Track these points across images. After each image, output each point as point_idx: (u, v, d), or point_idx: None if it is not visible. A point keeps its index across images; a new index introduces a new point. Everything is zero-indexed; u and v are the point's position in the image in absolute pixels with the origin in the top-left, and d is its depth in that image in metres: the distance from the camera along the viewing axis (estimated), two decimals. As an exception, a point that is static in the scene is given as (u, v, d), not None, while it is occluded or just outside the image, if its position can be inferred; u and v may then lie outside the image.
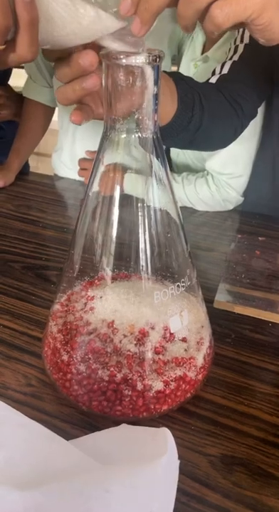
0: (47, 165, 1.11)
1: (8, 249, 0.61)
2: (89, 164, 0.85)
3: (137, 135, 0.29)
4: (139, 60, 0.27)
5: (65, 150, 0.93)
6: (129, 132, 0.30)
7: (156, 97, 0.29)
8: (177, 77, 0.45)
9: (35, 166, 1.09)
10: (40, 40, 0.27)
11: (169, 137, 0.46)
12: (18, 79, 1.07)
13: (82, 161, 0.86)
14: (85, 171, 0.85)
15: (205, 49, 0.78)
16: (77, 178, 0.88)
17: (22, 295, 0.51)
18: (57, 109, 0.95)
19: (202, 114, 0.47)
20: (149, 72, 0.27)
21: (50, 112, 0.97)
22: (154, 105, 0.29)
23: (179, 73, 0.47)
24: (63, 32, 0.26)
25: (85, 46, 0.29)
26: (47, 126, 0.97)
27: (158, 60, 0.27)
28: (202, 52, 0.78)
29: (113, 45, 0.27)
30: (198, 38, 0.77)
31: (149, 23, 0.27)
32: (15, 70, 0.92)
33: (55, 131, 0.98)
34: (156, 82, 0.28)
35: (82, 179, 0.86)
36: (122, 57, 0.27)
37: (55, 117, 0.98)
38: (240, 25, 0.30)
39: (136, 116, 0.29)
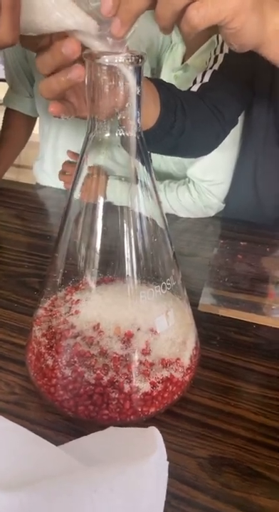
0: (27, 177, 1.10)
1: (-11, 257, 0.60)
2: (72, 169, 0.85)
3: (120, 134, 0.30)
4: (122, 60, 0.27)
5: (47, 158, 0.93)
6: (112, 131, 0.30)
7: (138, 98, 0.29)
8: (159, 83, 0.46)
9: (16, 178, 1.08)
10: (22, 27, 0.26)
11: (152, 142, 0.47)
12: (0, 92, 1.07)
13: (65, 164, 0.86)
14: (66, 175, 0.85)
15: (184, 59, 0.79)
16: (60, 186, 0.87)
17: (4, 303, 0.50)
18: (38, 120, 0.95)
19: (184, 119, 0.48)
20: (132, 73, 0.28)
21: (31, 122, 0.97)
22: (136, 105, 0.29)
23: (161, 80, 0.47)
24: (45, 18, 0.26)
25: None
26: (28, 136, 0.97)
27: (140, 60, 0.28)
28: (182, 63, 0.79)
29: (95, 44, 0.27)
30: (178, 49, 0.78)
31: (128, 24, 0.27)
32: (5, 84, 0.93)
33: (35, 144, 0.98)
34: (138, 83, 0.29)
35: (63, 186, 0.86)
36: (104, 57, 0.27)
37: (35, 130, 0.98)
38: (215, 29, 0.31)
39: (119, 117, 0.29)
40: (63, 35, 0.28)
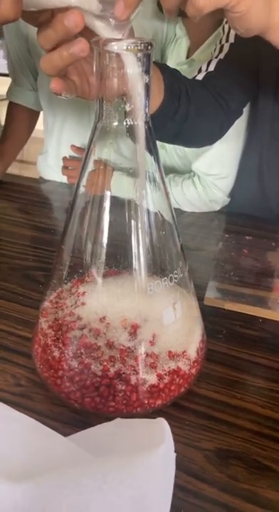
0: (30, 172, 1.10)
1: (-7, 250, 0.60)
2: (73, 163, 0.85)
3: (129, 123, 0.29)
4: (131, 47, 0.27)
5: (51, 152, 0.93)
6: (120, 120, 0.29)
7: (147, 86, 0.29)
8: (164, 68, 0.45)
9: (19, 173, 1.08)
10: (24, 1, 0.26)
11: (155, 128, 0.46)
12: (2, 86, 1.07)
13: (66, 159, 0.86)
14: (69, 170, 0.85)
15: (189, 54, 0.79)
16: (64, 180, 0.87)
17: (9, 296, 0.50)
18: (41, 114, 0.95)
19: (188, 106, 0.47)
20: (140, 60, 0.27)
21: (34, 115, 0.96)
22: (145, 94, 0.29)
23: (165, 64, 0.47)
24: None
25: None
26: (31, 130, 0.96)
27: (149, 47, 0.27)
28: (187, 57, 0.79)
29: (96, 24, 0.27)
30: (182, 42, 0.77)
31: (132, 6, 0.26)
32: (8, 79, 0.92)
33: (38, 139, 0.98)
34: (147, 71, 0.28)
35: (66, 180, 0.86)
36: (112, 44, 0.26)
37: (38, 125, 0.98)
38: (221, 13, 0.31)
39: (128, 105, 0.29)
40: (65, 9, 0.27)
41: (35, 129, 0.99)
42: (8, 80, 0.94)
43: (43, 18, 0.29)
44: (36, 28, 0.30)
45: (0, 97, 1.04)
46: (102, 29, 0.27)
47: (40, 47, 0.30)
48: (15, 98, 0.92)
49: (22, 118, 0.92)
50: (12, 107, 0.92)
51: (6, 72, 0.94)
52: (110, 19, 0.27)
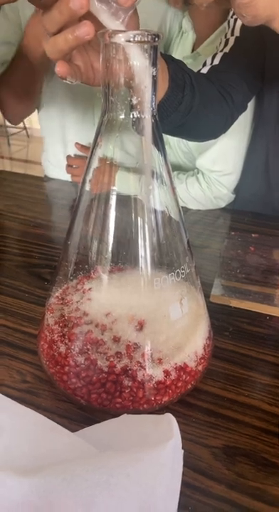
0: (35, 172, 1.10)
1: (-1, 248, 0.60)
2: (77, 161, 0.85)
3: (135, 116, 0.29)
4: (138, 38, 0.26)
5: (52, 151, 0.93)
6: (127, 114, 0.29)
7: (154, 79, 0.28)
8: (168, 58, 0.45)
9: (24, 172, 1.09)
10: None
11: (159, 119, 0.46)
12: None
13: (70, 158, 0.85)
14: (73, 168, 0.85)
15: (195, 48, 0.78)
16: (68, 178, 0.87)
17: (15, 293, 0.50)
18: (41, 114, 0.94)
19: (193, 97, 0.47)
20: (147, 52, 0.27)
21: None
22: (152, 87, 0.28)
23: (170, 55, 0.46)
24: None
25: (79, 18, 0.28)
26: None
27: (156, 39, 0.27)
28: (192, 51, 0.78)
29: (97, 6, 0.26)
30: (188, 36, 0.77)
31: None
32: None
33: (42, 139, 0.98)
34: (154, 63, 0.28)
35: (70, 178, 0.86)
36: (120, 35, 0.26)
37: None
38: (227, 2, 0.30)
39: (134, 98, 0.28)
40: None
41: (39, 128, 0.99)
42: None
43: (47, 0, 0.29)
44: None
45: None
46: (102, 12, 0.27)
47: (45, 30, 0.29)
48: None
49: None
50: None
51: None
52: (112, 3, 0.26)
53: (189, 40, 0.77)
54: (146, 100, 0.29)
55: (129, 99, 0.29)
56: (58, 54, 0.30)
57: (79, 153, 0.87)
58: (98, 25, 0.28)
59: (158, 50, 0.28)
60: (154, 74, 0.28)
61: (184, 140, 0.77)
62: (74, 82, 0.32)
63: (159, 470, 0.22)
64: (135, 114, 0.29)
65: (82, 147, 0.86)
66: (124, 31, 0.26)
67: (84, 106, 0.83)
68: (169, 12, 0.77)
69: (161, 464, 0.22)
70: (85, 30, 0.27)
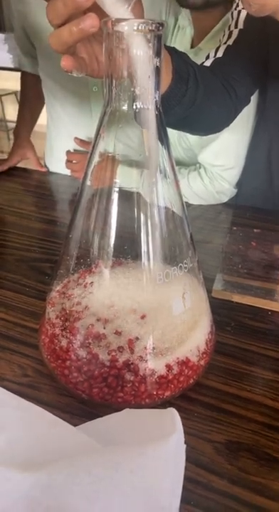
0: (35, 166, 1.09)
1: (0, 242, 0.60)
2: (76, 157, 0.84)
3: (138, 107, 0.28)
4: (141, 27, 0.26)
5: (54, 145, 0.92)
6: (129, 105, 0.29)
7: (157, 70, 0.28)
8: (172, 50, 0.44)
9: (24, 167, 1.08)
10: None
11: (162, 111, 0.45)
12: (15, 82, 1.08)
13: (70, 153, 0.85)
14: (72, 164, 0.84)
15: (193, 43, 0.77)
16: (69, 172, 0.87)
17: (16, 287, 0.50)
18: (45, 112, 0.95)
19: (197, 89, 0.46)
20: (150, 41, 0.26)
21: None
22: (155, 77, 0.28)
23: (174, 47, 0.46)
24: None
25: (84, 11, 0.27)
26: (42, 94, 0.98)
27: (160, 28, 0.27)
28: (191, 47, 0.77)
29: None
30: (186, 32, 0.76)
31: None
32: (13, 74, 0.94)
33: (44, 134, 0.97)
34: (158, 53, 0.27)
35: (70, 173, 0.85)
36: (123, 24, 0.26)
37: (43, 120, 0.98)
38: (227, 9, 0.30)
39: (137, 88, 0.28)
40: None
41: (42, 124, 1.00)
42: (12, 75, 0.95)
43: None
44: (33, 15, 0.29)
45: (5, 91, 1.05)
46: (108, 2, 0.26)
47: (49, 22, 0.29)
48: (22, 67, 0.93)
49: (32, 84, 0.94)
50: (23, 74, 0.95)
51: (11, 66, 0.95)
52: None
53: (187, 36, 0.76)
54: (150, 90, 0.28)
55: (132, 89, 0.28)
56: (63, 46, 0.29)
57: (78, 147, 0.86)
58: (103, 17, 0.27)
59: (162, 40, 0.28)
60: (158, 64, 0.28)
61: (185, 136, 0.77)
62: (79, 75, 0.32)
63: (162, 465, 0.21)
64: (138, 104, 0.28)
65: (82, 141, 0.85)
66: (127, 19, 0.26)
67: (80, 100, 0.83)
68: (164, 6, 0.77)
69: (165, 459, 0.22)
70: (90, 22, 0.27)
